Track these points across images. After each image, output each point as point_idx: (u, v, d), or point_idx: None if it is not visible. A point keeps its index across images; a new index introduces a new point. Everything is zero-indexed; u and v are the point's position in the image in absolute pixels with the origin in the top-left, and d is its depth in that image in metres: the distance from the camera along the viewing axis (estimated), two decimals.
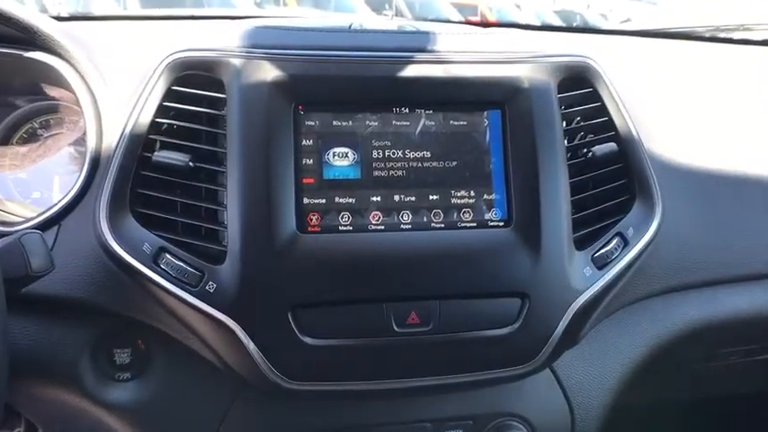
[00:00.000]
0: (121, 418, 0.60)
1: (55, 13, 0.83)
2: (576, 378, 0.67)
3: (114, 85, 0.61)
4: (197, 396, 0.61)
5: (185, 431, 0.61)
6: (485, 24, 0.98)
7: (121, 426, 0.61)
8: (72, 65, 0.61)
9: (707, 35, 1.12)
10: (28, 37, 0.61)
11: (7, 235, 0.57)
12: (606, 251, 0.61)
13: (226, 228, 0.55)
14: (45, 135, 0.73)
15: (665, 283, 0.67)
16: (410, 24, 0.70)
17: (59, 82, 0.63)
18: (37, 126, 0.73)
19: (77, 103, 0.64)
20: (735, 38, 1.10)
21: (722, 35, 1.10)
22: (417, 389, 0.58)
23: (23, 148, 0.73)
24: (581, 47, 0.67)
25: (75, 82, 0.61)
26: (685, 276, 0.68)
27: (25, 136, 0.73)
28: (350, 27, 0.66)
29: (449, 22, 0.94)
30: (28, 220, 0.60)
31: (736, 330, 0.74)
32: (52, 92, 0.71)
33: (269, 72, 0.56)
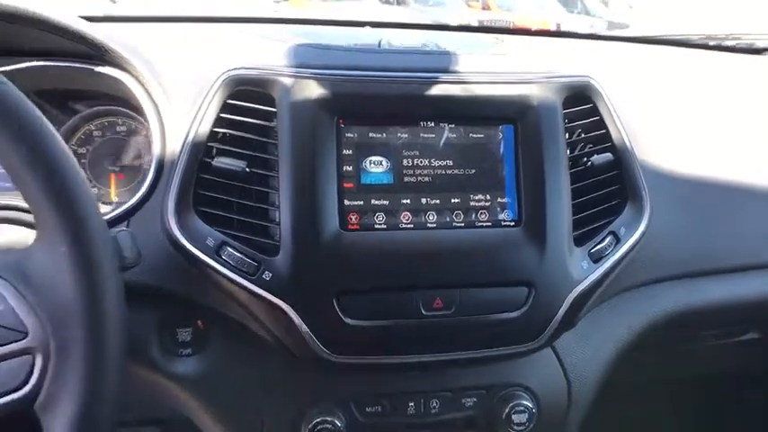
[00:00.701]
0: (185, 388, 0.70)
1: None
2: (573, 355, 0.77)
3: (174, 98, 0.70)
4: (248, 368, 0.71)
5: (239, 399, 0.71)
6: (486, 29, 1.06)
7: (185, 395, 0.71)
8: (138, 79, 0.70)
9: (699, 42, 1.21)
10: (99, 54, 0.69)
11: None
12: (601, 247, 0.71)
13: (278, 225, 0.64)
14: (101, 137, 0.81)
15: (652, 275, 0.77)
16: (432, 42, 0.79)
17: (125, 93, 0.71)
18: (93, 128, 0.81)
19: (139, 112, 0.73)
20: (724, 45, 1.18)
21: (712, 43, 1.19)
22: (441, 362, 0.68)
23: (81, 149, 0.81)
24: (583, 64, 0.76)
25: (140, 95, 0.70)
26: (669, 269, 0.78)
27: (83, 137, 0.81)
28: (379, 45, 0.75)
29: (463, 28, 1.01)
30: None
31: (713, 315, 0.84)
32: (110, 98, 0.79)
33: (314, 90, 0.65)
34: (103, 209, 0.75)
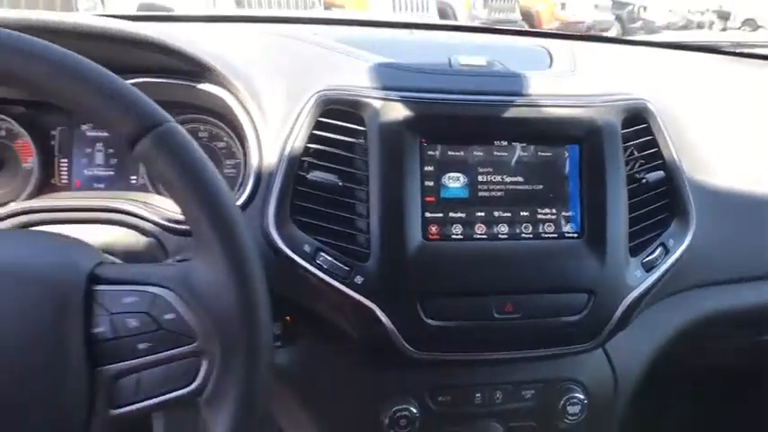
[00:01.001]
0: (275, 378, 0.78)
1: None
2: (619, 352, 0.85)
3: (269, 114, 0.76)
4: (332, 361, 0.79)
5: (323, 389, 0.79)
6: (530, 33, 1.12)
7: (276, 385, 0.78)
8: (236, 97, 0.76)
9: (728, 49, 1.26)
10: (200, 71, 0.75)
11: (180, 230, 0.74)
12: (652, 258, 0.78)
13: (367, 234, 0.71)
14: None
15: (695, 281, 0.85)
16: (495, 59, 0.84)
17: (223, 108, 0.78)
18: None
19: (229, 124, 0.79)
20: (755, 53, 1.24)
21: (746, 50, 1.24)
22: (508, 359, 0.76)
23: None
24: (635, 81, 0.82)
25: (238, 111, 0.76)
26: (711, 275, 0.86)
27: None
28: (450, 65, 0.81)
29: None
30: None
31: (748, 316, 0.92)
32: (198, 108, 0.85)
33: (401, 112, 0.72)
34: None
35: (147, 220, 0.78)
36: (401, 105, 0.72)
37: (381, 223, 0.70)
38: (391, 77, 0.75)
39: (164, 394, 0.49)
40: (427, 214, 0.72)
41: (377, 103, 0.72)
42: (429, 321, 0.71)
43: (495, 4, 5.47)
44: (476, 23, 4.96)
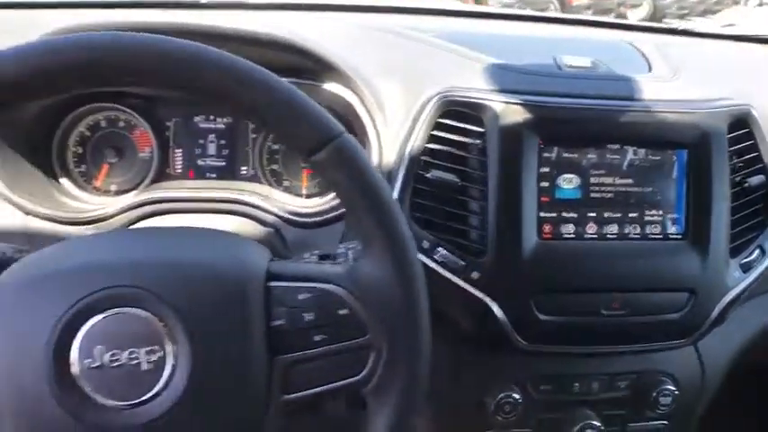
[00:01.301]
0: None
1: None
2: (708, 346, 0.88)
3: (388, 114, 0.79)
4: (443, 349, 0.83)
5: (433, 376, 0.83)
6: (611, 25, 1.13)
7: None
8: (359, 96, 0.79)
9: None
10: (324, 71, 0.78)
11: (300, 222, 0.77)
12: (750, 259, 0.81)
13: (484, 231, 0.74)
14: None
15: None
16: (598, 60, 0.86)
17: (344, 108, 0.80)
18: None
19: (352, 125, 0.82)
20: None
21: None
22: (612, 352, 0.80)
23: (275, 146, 0.90)
24: (739, 90, 0.84)
25: (360, 110, 0.79)
26: None
27: None
28: (559, 67, 0.83)
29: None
30: (319, 214, 0.80)
31: None
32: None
33: (521, 115, 0.74)
34: (322, 205, 0.86)
35: (268, 212, 0.81)
36: (521, 109, 0.74)
37: (499, 221, 0.74)
38: (508, 80, 0.77)
39: (333, 382, 0.54)
40: (542, 214, 0.76)
41: (498, 106, 0.74)
42: (541, 316, 0.75)
43: None
44: (504, 6, 4.87)
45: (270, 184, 0.89)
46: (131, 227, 0.79)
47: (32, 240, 0.74)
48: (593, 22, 1.20)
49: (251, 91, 0.49)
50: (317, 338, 0.53)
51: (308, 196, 0.90)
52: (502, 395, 0.81)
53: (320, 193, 0.90)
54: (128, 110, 0.85)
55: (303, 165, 0.90)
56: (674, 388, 0.84)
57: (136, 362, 0.47)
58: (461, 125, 0.76)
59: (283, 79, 0.50)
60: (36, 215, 0.74)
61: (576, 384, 0.83)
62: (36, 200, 0.75)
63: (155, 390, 0.47)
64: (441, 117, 0.76)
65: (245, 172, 0.89)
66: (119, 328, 0.48)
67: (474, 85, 0.77)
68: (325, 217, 0.80)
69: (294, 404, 0.54)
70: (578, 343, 0.79)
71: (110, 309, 0.48)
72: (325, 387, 0.53)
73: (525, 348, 0.77)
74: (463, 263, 0.75)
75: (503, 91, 0.75)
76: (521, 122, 0.74)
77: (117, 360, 0.47)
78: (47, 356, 0.46)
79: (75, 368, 0.46)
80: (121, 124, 0.87)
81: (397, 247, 0.53)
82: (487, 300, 0.74)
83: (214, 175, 0.89)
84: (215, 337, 0.49)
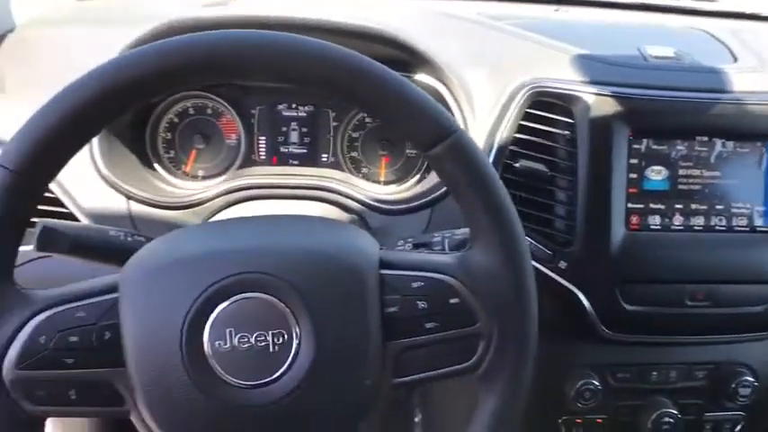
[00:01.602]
0: None
1: None
2: None
3: (476, 104, 0.79)
4: None
5: None
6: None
7: None
8: (448, 87, 0.80)
9: None
10: (414, 62, 0.79)
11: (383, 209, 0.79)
12: None
13: (570, 221, 0.76)
14: (372, 123, 0.91)
15: None
16: (682, 51, 0.86)
17: (434, 98, 0.81)
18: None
19: None
20: None
21: None
22: (692, 342, 0.81)
23: (355, 134, 0.92)
24: None
25: (450, 101, 0.80)
26: None
27: (357, 123, 0.91)
28: (645, 58, 0.83)
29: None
30: (404, 201, 0.82)
31: None
32: None
33: (612, 106, 0.75)
34: (401, 193, 0.88)
35: (353, 199, 0.83)
36: (612, 100, 0.75)
37: (588, 212, 0.75)
38: (597, 72, 0.77)
39: (441, 368, 0.55)
40: (630, 205, 0.76)
41: (588, 98, 0.75)
42: (626, 306, 0.76)
43: None
44: None
45: (349, 171, 0.91)
46: (227, 210, 0.82)
47: (135, 224, 0.77)
48: (667, 7, 1.18)
49: (369, 86, 0.51)
50: (428, 326, 0.54)
51: (386, 183, 0.92)
52: (582, 382, 0.82)
53: (397, 181, 0.92)
54: (216, 98, 0.88)
55: (381, 153, 0.91)
56: (753, 379, 0.85)
57: (263, 344, 0.50)
58: (550, 116, 0.77)
59: (402, 77, 0.52)
60: (137, 200, 0.77)
61: (654, 373, 0.85)
62: (136, 184, 0.78)
63: (280, 371, 0.50)
64: (529, 107, 0.77)
65: (325, 159, 0.91)
66: (247, 312, 0.50)
67: (562, 75, 0.77)
68: (411, 204, 0.81)
69: (403, 387, 0.56)
70: (661, 333, 0.80)
71: (239, 293, 0.50)
72: (433, 372, 0.55)
73: (608, 337, 0.78)
74: (550, 252, 0.76)
75: (592, 82, 0.76)
76: (611, 114, 0.74)
77: (246, 342, 0.50)
78: (181, 337, 0.49)
79: (206, 349, 0.49)
80: (209, 111, 0.89)
81: (509, 238, 0.54)
82: (574, 289, 0.76)
83: (296, 162, 0.91)
84: (336, 321, 0.51)
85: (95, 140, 0.75)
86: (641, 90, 0.76)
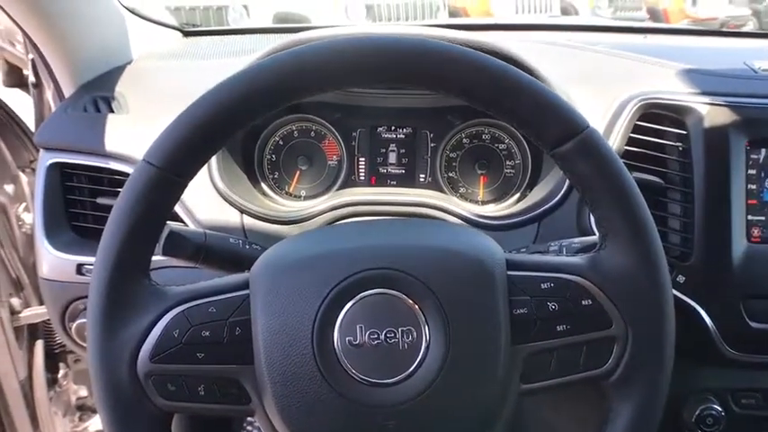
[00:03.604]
0: None
1: None
2: None
3: None
4: None
5: None
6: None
7: None
8: None
9: None
10: None
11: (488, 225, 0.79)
12: None
13: (687, 234, 0.73)
14: (469, 143, 0.93)
15: None
16: None
17: None
18: (463, 136, 0.92)
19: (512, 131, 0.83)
20: None
21: None
22: None
23: (453, 154, 0.93)
24: None
25: None
26: None
27: (454, 143, 0.92)
28: (755, 71, 0.81)
29: None
30: (507, 217, 0.82)
31: None
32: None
33: (727, 117, 0.73)
34: (503, 212, 0.88)
35: (454, 215, 0.84)
36: (727, 110, 0.73)
37: (707, 224, 0.72)
38: (709, 83, 0.77)
39: (573, 374, 0.53)
40: (749, 217, 0.74)
41: (702, 108, 0.74)
42: (752, 323, 0.72)
43: (621, 2, 5.28)
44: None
45: (447, 191, 0.92)
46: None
47: (247, 236, 0.79)
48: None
49: (498, 86, 0.51)
50: (559, 328, 0.52)
51: (484, 203, 0.92)
52: (701, 407, 0.78)
53: (495, 200, 0.91)
54: (320, 120, 0.91)
55: (480, 172, 0.91)
56: None
57: (393, 341, 0.49)
58: (661, 128, 0.76)
59: (531, 77, 0.52)
60: (249, 213, 0.80)
61: None
62: (248, 200, 0.81)
63: (409, 370, 0.49)
64: (639, 120, 0.76)
65: (423, 179, 0.93)
66: (377, 309, 0.50)
67: (671, 88, 0.77)
68: (518, 219, 0.80)
69: (531, 394, 0.54)
70: None
71: (369, 289, 0.50)
72: (565, 378, 0.53)
73: (731, 358, 0.74)
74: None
75: (705, 93, 0.75)
76: (727, 124, 0.73)
77: (376, 339, 0.49)
78: (312, 333, 0.49)
79: (337, 344, 0.49)
80: (312, 134, 0.92)
81: (644, 237, 0.52)
82: (694, 304, 0.73)
83: (394, 182, 0.93)
84: (466, 321, 0.50)
85: (213, 158, 0.79)
86: (757, 99, 0.74)
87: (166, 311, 0.51)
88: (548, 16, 4.78)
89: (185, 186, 0.51)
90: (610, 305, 0.53)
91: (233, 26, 3.52)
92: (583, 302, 0.53)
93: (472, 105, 0.53)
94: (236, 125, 0.51)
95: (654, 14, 5.35)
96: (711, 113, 0.73)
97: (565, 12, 5.02)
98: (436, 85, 0.52)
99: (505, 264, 0.54)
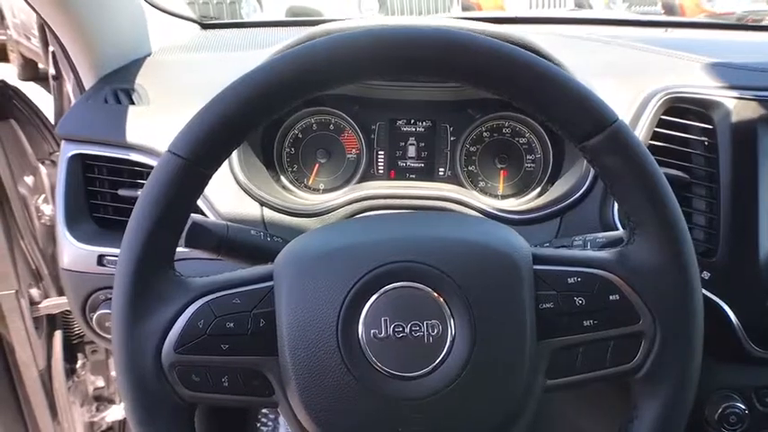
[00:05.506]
0: None
1: None
2: None
3: None
4: None
5: None
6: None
7: None
8: None
9: None
10: None
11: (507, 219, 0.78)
12: None
13: (712, 230, 0.72)
14: (490, 137, 0.92)
15: None
16: None
17: None
18: (483, 129, 0.92)
19: (532, 125, 0.82)
20: None
21: None
22: None
23: (473, 147, 0.92)
24: None
25: None
26: None
27: (474, 137, 0.91)
28: None
29: None
30: (528, 211, 0.81)
31: None
32: (500, 106, 0.89)
33: (755, 111, 0.72)
34: (523, 206, 0.87)
35: (474, 209, 0.83)
36: (755, 104, 0.72)
37: (733, 221, 0.71)
38: (736, 77, 0.75)
39: (599, 369, 0.53)
40: None
41: (729, 102, 0.73)
42: None
43: None
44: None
45: (467, 185, 0.91)
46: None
47: (267, 229, 0.79)
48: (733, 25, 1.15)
49: (527, 78, 0.50)
50: (586, 324, 0.52)
51: (504, 197, 0.91)
52: (725, 405, 0.77)
53: (515, 194, 0.91)
54: (339, 112, 0.91)
55: (500, 166, 0.91)
56: None
57: (418, 334, 0.49)
58: (687, 122, 0.75)
59: (561, 69, 0.52)
60: (269, 206, 0.80)
61: None
62: (268, 192, 0.81)
63: (434, 363, 0.49)
64: (664, 114, 0.75)
65: (442, 173, 0.92)
66: (402, 301, 0.50)
67: (697, 82, 0.75)
68: (540, 213, 0.80)
69: (556, 389, 0.53)
70: None
71: (394, 282, 0.50)
72: (591, 374, 0.53)
73: (757, 355, 0.73)
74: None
75: (732, 87, 0.74)
76: (755, 118, 0.72)
77: (401, 332, 0.49)
78: (337, 325, 0.49)
79: (361, 337, 0.49)
80: (331, 127, 0.92)
81: (674, 232, 0.52)
82: (719, 301, 0.72)
83: (413, 176, 0.92)
84: (492, 315, 0.50)
85: (235, 152, 0.79)
86: None
87: (191, 302, 0.51)
88: (564, 11, 4.76)
89: (210, 178, 0.51)
90: (638, 300, 0.52)
91: (247, 20, 3.55)
92: (610, 297, 0.52)
93: (500, 97, 0.52)
94: (261, 117, 0.50)
95: (669, 9, 5.30)
96: (739, 108, 0.72)
97: (579, 6, 4.99)
98: (465, 77, 0.51)
99: (532, 258, 0.53)
